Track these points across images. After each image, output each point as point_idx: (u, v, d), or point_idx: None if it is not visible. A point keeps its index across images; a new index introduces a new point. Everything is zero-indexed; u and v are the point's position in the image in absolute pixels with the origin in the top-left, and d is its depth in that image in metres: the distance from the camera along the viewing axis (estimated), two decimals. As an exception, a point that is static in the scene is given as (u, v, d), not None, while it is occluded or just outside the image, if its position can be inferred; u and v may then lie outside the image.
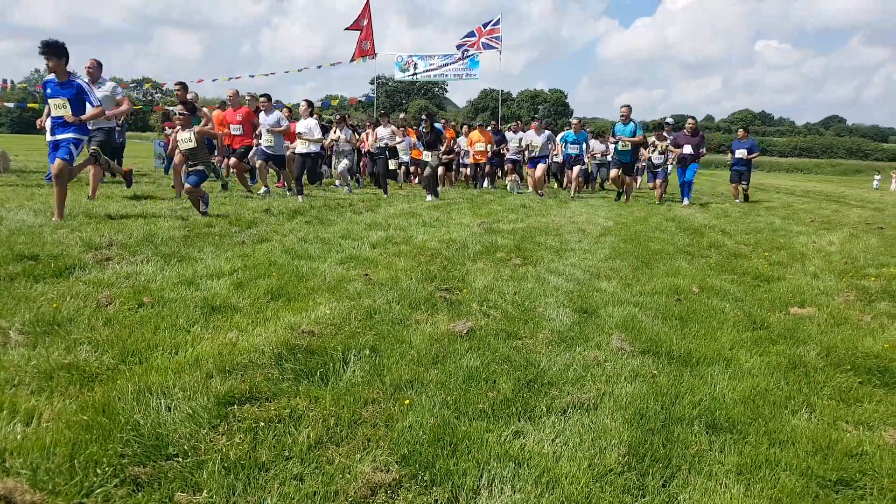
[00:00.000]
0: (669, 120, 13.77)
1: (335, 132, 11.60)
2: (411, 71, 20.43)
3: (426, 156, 11.52)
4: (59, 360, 2.25)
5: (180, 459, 1.69)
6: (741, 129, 14.64)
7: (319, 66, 21.87)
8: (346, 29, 19.14)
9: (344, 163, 11.42)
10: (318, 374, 2.34)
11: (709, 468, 1.90)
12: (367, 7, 19.08)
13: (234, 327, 2.78)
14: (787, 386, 2.63)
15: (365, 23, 19.05)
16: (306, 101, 10.09)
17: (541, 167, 12.53)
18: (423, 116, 12.25)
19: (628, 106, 11.86)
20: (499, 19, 19.31)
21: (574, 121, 13.72)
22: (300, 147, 9.83)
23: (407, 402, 2.15)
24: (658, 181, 12.94)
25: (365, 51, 19.05)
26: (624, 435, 2.04)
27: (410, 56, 20.61)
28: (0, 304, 2.87)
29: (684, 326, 3.45)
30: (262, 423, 1.92)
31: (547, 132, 12.94)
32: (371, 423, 1.99)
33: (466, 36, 19.41)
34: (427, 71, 20.38)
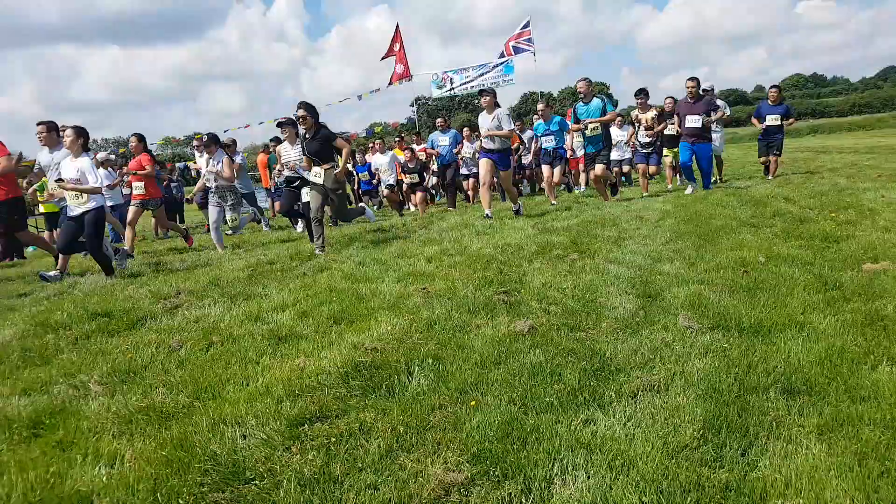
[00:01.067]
0: (707, 86, 10.09)
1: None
2: (448, 87, 20.60)
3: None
4: (137, 404, 2.36)
5: (257, 482, 1.74)
6: (772, 88, 10.87)
7: (360, 96, 22.34)
8: (382, 58, 19.56)
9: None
10: (384, 387, 2.36)
11: (788, 432, 1.80)
12: (397, 32, 19.47)
13: (301, 353, 2.85)
14: (866, 342, 2.48)
15: (398, 48, 19.42)
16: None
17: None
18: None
19: (586, 79, 8.64)
20: (527, 22, 19.27)
21: (540, 107, 10.34)
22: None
23: (473, 403, 2.14)
24: (643, 167, 10.22)
25: (400, 74, 19.40)
26: (698, 410, 1.96)
27: (445, 72, 20.80)
28: (79, 360, 3.05)
29: (753, 297, 3.30)
30: (334, 439, 1.95)
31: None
32: (439, 427, 1.99)
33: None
34: (463, 84, 20.49)
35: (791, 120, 10.68)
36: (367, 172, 12.41)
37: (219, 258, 6.93)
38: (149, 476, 1.75)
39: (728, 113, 10.72)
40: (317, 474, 1.74)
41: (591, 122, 8.47)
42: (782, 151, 10.77)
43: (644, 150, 10.35)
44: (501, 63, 19.62)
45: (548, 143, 9.71)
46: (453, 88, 20.62)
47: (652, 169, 10.58)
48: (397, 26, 19.44)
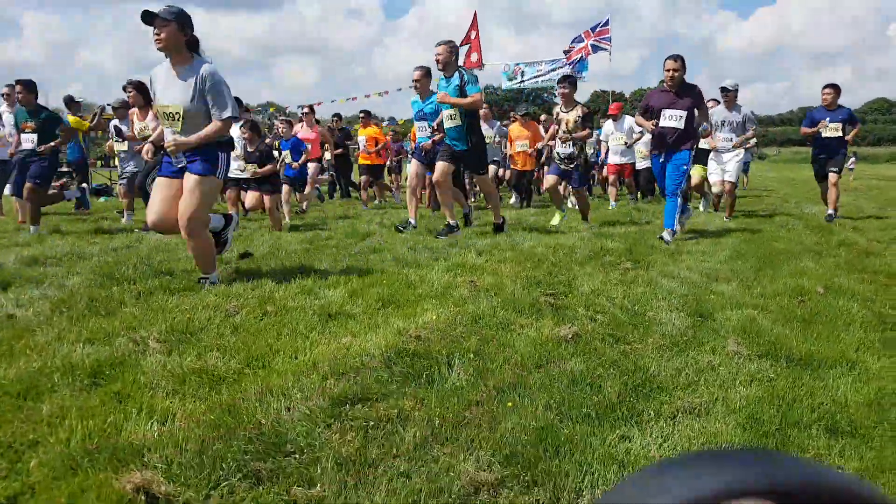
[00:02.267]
0: (729, 83, 7.69)
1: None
2: (519, 79, 20.39)
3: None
4: (191, 365, 2.49)
5: (297, 456, 1.82)
6: (828, 88, 7.75)
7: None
8: (461, 44, 19.48)
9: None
10: (424, 376, 2.42)
11: (831, 475, 1.76)
12: (475, 19, 19.35)
13: (348, 332, 2.93)
14: (922, 390, 2.37)
15: (473, 35, 19.31)
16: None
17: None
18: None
19: (448, 43, 6.07)
20: (608, 20, 18.82)
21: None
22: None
23: (510, 404, 2.17)
24: (553, 179, 7.18)
25: (474, 62, 19.31)
26: (736, 439, 1.94)
27: (517, 64, 20.57)
28: (141, 315, 3.22)
29: (807, 329, 3.20)
30: (372, 423, 2.01)
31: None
32: (475, 424, 2.03)
33: (574, 41, 19.07)
34: (535, 77, 20.23)
35: (855, 129, 7.91)
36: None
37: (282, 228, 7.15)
38: (197, 437, 1.86)
39: (757, 129, 8.59)
40: (353, 456, 1.81)
41: (446, 100, 5.94)
42: (842, 170, 8.00)
43: (563, 165, 7.13)
44: (575, 62, 19.19)
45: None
46: (524, 81, 20.40)
47: (569, 189, 7.98)
48: (475, 14, 19.31)
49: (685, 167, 6.11)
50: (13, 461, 1.77)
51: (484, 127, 7.48)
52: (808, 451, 1.91)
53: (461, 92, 5.93)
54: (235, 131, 6.63)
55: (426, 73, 6.79)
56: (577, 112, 6.96)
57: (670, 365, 2.65)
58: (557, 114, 7.21)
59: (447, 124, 6.18)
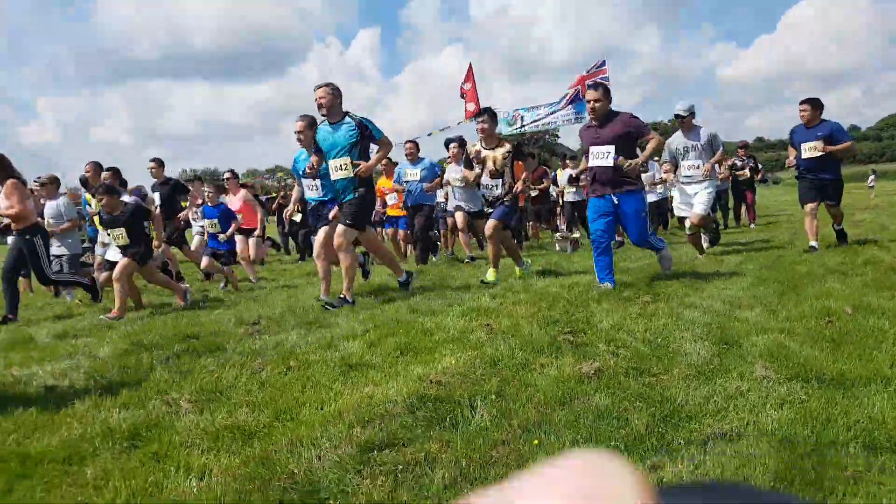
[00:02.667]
0: (681, 107, 7.09)
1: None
2: (518, 124, 20.73)
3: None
4: (223, 422, 2.54)
5: (331, 502, 1.84)
6: (804, 104, 6.79)
7: (430, 134, 22.75)
8: (462, 96, 19.94)
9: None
10: (447, 419, 2.43)
11: (867, 489, 1.73)
12: (470, 70, 19.90)
13: (370, 382, 2.97)
14: (961, 403, 2.32)
15: (469, 86, 19.81)
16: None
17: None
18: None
19: (327, 85, 5.30)
20: (603, 61, 19.20)
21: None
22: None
23: (536, 442, 2.17)
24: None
25: (472, 112, 19.71)
26: (770, 462, 1.91)
27: (517, 110, 20.98)
28: (170, 378, 3.29)
29: (837, 349, 3.16)
30: (401, 466, 2.03)
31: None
32: (502, 462, 2.03)
33: (571, 86, 19.45)
34: (535, 122, 20.56)
35: (843, 145, 6.68)
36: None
37: (294, 286, 7.25)
38: (234, 490, 1.89)
39: (723, 150, 7.43)
40: (385, 499, 1.82)
41: (365, 170, 5.25)
42: (840, 198, 6.87)
43: (488, 206, 6.31)
44: (572, 102, 19.53)
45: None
46: (524, 126, 20.77)
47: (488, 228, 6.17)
48: (470, 66, 19.90)
49: (644, 213, 5.47)
50: (56, 525, 1.81)
51: (455, 169, 7.15)
52: (847, 469, 1.87)
53: (362, 138, 5.28)
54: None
55: (310, 123, 5.75)
56: (503, 149, 6.13)
57: (698, 393, 2.63)
58: (479, 152, 6.09)
59: (335, 175, 5.34)
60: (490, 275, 6.21)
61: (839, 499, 1.70)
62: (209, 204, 7.39)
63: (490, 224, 6.15)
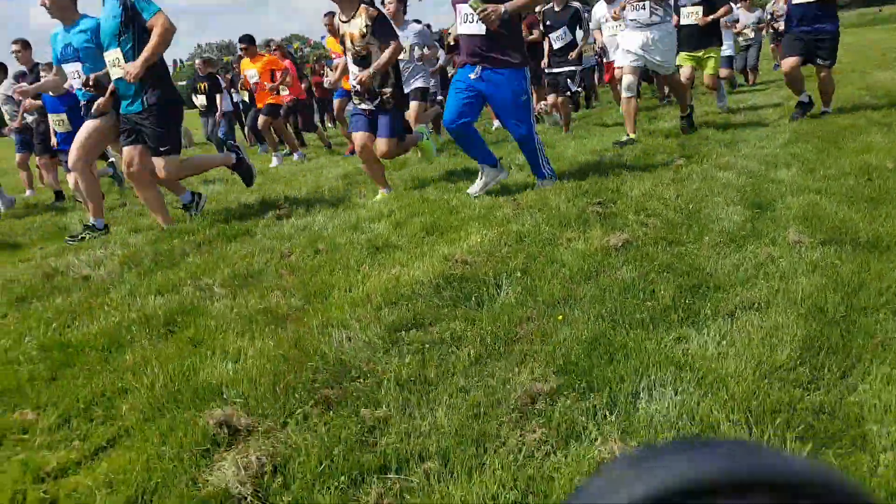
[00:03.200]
0: None
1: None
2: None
3: None
4: (256, 306, 2.62)
5: (361, 381, 1.91)
6: None
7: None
8: None
9: None
10: (473, 298, 2.46)
11: (894, 357, 1.72)
12: None
13: (397, 263, 2.99)
14: None
15: None
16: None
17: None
18: None
19: None
20: None
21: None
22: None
23: (560, 317, 2.19)
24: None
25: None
26: (798, 331, 1.90)
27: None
28: (203, 263, 3.37)
29: (875, 209, 3.03)
30: (428, 346, 2.08)
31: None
32: (527, 339, 2.07)
33: None
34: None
35: (721, 12, 6.25)
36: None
37: (319, 165, 7.21)
38: (269, 372, 1.97)
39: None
40: (413, 377, 1.89)
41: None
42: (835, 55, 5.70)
43: (361, 111, 4.50)
44: None
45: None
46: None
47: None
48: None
49: (524, 96, 4.13)
50: (107, 408, 1.93)
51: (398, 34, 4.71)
52: (876, 336, 1.86)
53: (127, 20, 3.91)
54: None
55: None
56: (362, 19, 4.23)
57: (727, 262, 2.59)
58: (338, 27, 4.42)
59: (115, 74, 4.08)
60: (379, 196, 4.67)
61: (865, 366, 1.69)
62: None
63: (382, 146, 4.54)
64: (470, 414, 1.66)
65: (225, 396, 1.89)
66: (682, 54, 6.30)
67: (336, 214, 4.23)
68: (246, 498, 1.44)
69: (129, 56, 3.94)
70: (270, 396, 1.84)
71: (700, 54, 6.50)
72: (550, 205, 3.73)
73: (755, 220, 3.13)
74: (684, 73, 6.30)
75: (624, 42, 5.84)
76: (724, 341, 1.93)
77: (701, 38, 6.39)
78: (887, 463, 1.34)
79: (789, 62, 5.69)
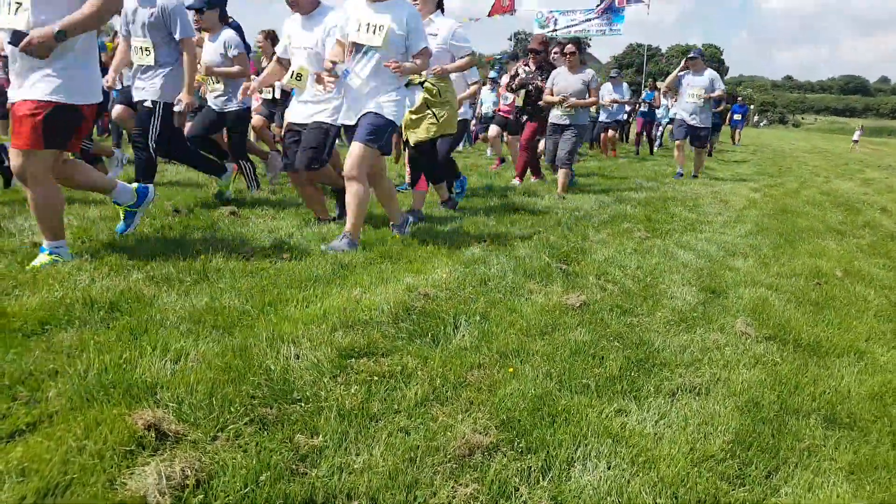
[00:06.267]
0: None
1: None
2: (551, 27, 19.81)
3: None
4: (207, 305, 2.55)
5: (303, 404, 1.88)
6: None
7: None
8: None
9: None
10: (430, 335, 2.46)
11: (818, 464, 1.79)
12: None
13: (359, 284, 2.97)
14: (929, 388, 2.37)
15: None
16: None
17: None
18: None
19: None
20: None
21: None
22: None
23: (511, 370, 2.21)
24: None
25: (504, 7, 18.68)
26: (732, 423, 1.96)
27: (551, 12, 19.96)
28: (158, 252, 3.27)
29: (818, 313, 3.19)
30: (377, 377, 2.07)
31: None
32: (475, 386, 2.08)
33: None
34: (568, 27, 19.63)
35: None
36: None
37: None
38: (208, 379, 1.92)
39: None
40: (356, 408, 1.87)
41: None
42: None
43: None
44: (612, 10, 18.57)
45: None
46: (556, 30, 19.82)
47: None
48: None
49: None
50: (34, 389, 1.84)
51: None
52: (804, 440, 1.93)
53: None
54: None
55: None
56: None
57: (676, 341, 2.67)
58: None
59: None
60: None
61: (790, 470, 1.76)
62: None
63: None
64: (406, 457, 1.65)
65: (158, 398, 1.83)
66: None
67: (306, 224, 4.19)
68: (164, 510, 1.39)
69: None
70: (205, 406, 1.79)
71: None
72: (518, 253, 3.79)
73: (707, 303, 3.24)
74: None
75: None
76: (661, 421, 1.98)
77: None
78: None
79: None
